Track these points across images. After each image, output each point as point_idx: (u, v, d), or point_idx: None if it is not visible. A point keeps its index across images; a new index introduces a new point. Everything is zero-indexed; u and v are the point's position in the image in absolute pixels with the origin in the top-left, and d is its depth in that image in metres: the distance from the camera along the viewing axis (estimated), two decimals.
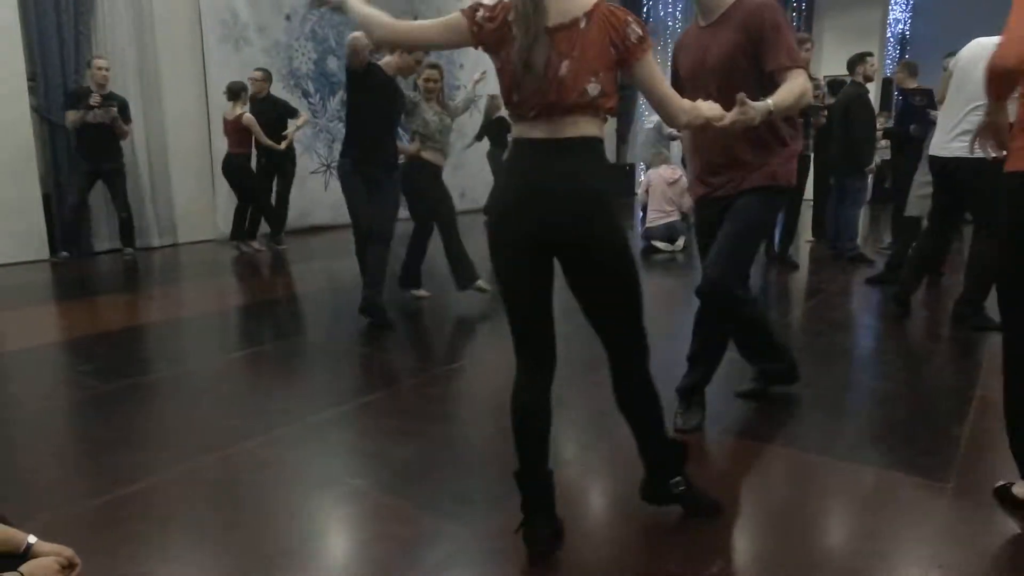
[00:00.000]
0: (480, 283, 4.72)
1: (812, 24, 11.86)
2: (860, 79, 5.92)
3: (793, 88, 2.19)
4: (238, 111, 6.42)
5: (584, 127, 1.72)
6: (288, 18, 7.91)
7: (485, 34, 1.76)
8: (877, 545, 1.89)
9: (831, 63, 10.72)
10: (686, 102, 1.83)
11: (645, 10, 13.26)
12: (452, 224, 4.67)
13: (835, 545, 1.95)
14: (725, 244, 2.45)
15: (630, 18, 1.71)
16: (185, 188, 7.07)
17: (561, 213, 1.71)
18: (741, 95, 1.94)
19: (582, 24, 1.69)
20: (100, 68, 5.89)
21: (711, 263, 2.47)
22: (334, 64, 8.44)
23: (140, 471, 2.31)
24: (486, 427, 2.72)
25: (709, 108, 1.88)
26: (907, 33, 14.43)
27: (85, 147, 5.94)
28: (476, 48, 1.82)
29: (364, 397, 3.01)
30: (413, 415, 2.82)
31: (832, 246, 6.37)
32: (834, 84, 6.96)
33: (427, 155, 4.60)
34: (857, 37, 10.37)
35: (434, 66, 4.72)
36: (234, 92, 6.49)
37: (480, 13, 1.75)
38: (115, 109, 5.93)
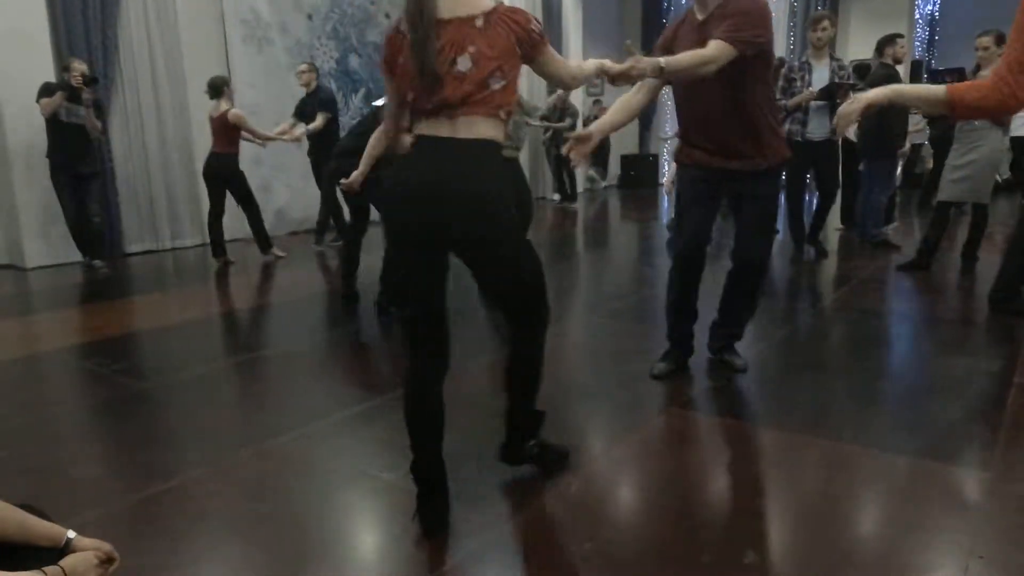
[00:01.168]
0: None
1: (839, 6, 11.63)
2: (889, 61, 5.80)
3: (696, 53, 2.41)
4: (223, 107, 5.95)
5: (482, 129, 1.79)
6: (310, 17, 7.96)
7: (390, 58, 1.87)
8: (914, 535, 1.86)
9: (859, 45, 10.51)
10: (572, 66, 2.07)
11: (667, 2, 13.11)
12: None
13: (870, 536, 1.91)
14: (756, 225, 2.89)
15: (530, 16, 1.86)
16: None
17: (452, 215, 1.78)
18: (628, 42, 2.30)
19: (479, 22, 1.78)
20: (76, 72, 5.55)
21: (749, 244, 2.91)
22: (355, 63, 8.48)
23: (175, 468, 2.35)
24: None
25: (592, 63, 2.15)
26: (936, 14, 14.09)
27: (61, 151, 5.66)
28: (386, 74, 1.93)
29: (396, 391, 3.02)
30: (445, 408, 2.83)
31: (861, 233, 6.26)
32: (860, 68, 6.83)
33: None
34: (885, 18, 10.16)
35: None
36: (216, 88, 6.01)
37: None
38: (93, 92, 5.63)
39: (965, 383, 2.97)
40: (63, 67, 5.63)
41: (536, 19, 1.88)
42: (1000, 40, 4.74)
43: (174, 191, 7.01)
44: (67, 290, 5.35)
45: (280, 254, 6.33)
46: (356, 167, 4.01)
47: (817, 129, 5.38)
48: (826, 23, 5.27)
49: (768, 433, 2.54)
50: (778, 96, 5.36)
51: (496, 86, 1.78)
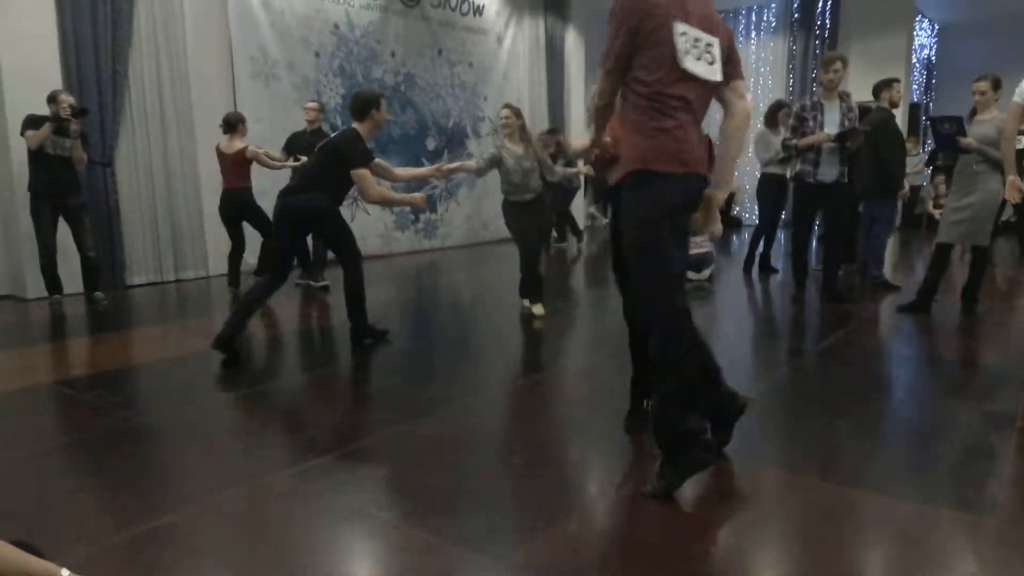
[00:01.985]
0: (531, 307, 5.21)
1: (837, 49, 11.83)
2: (886, 104, 5.89)
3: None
4: (237, 144, 6.07)
5: None
6: (317, 55, 8.10)
7: None
8: None
9: (857, 88, 10.67)
10: None
11: None
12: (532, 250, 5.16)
13: None
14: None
15: None
16: (215, 221, 7.20)
17: None
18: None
19: None
20: (64, 104, 5.45)
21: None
22: None
23: (169, 504, 2.32)
24: (514, 458, 2.70)
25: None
26: (933, 58, 14.33)
27: (46, 183, 5.52)
28: None
29: (392, 428, 3.00)
30: (442, 446, 2.81)
31: (863, 273, 6.28)
32: (860, 110, 6.92)
33: (511, 198, 5.10)
34: (883, 62, 10.32)
35: (506, 105, 5.14)
36: (230, 124, 6.13)
37: None
38: (81, 123, 5.52)
39: (968, 426, 2.95)
40: (49, 98, 5.48)
41: None
42: (997, 85, 4.82)
43: (178, 223, 7.06)
44: (67, 321, 5.35)
45: (317, 285, 6.43)
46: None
47: (828, 172, 5.31)
48: (838, 64, 5.26)
49: (770, 474, 2.51)
50: (788, 136, 5.40)
51: None
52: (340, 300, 5.86)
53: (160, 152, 6.88)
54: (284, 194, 4.35)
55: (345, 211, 8.35)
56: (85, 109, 5.67)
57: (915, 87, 12.87)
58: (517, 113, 5.03)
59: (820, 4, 11.89)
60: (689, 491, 2.42)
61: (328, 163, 4.22)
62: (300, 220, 4.29)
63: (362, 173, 4.19)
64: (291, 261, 4.40)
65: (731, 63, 2.39)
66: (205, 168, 7.06)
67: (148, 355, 4.45)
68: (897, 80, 6.05)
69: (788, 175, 6.91)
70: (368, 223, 8.82)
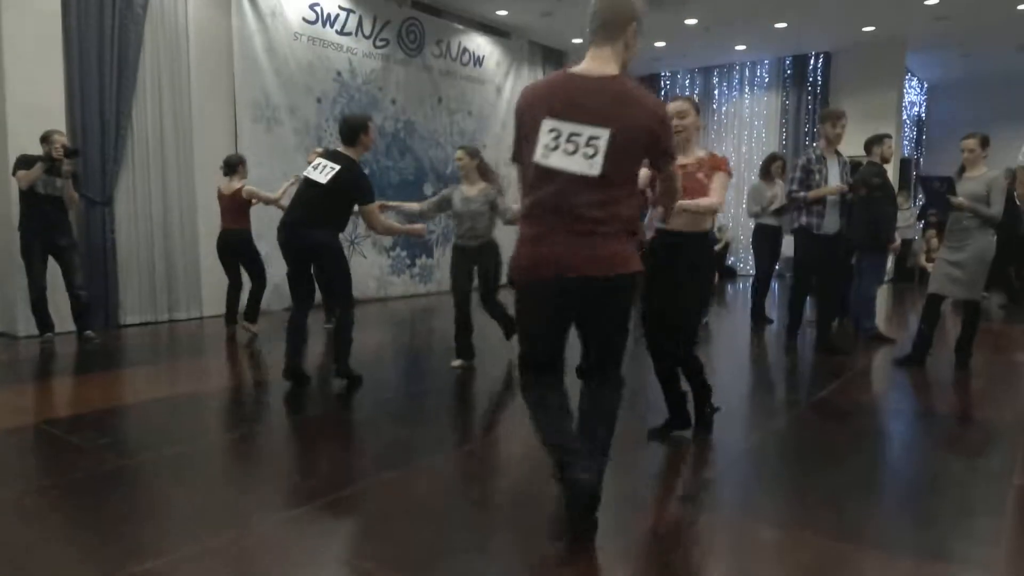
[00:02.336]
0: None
1: (829, 105, 12.09)
2: (877, 159, 6.00)
3: None
4: (235, 185, 6.11)
5: None
6: (319, 100, 8.24)
7: None
8: None
9: (848, 143, 10.87)
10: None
11: (663, 94, 13.64)
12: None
13: None
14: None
15: None
16: (212, 263, 7.21)
17: None
18: None
19: None
20: (57, 144, 5.42)
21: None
22: None
23: (154, 549, 2.27)
24: (501, 510, 2.65)
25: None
26: (923, 115, 14.66)
27: (36, 222, 5.51)
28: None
29: (382, 475, 2.96)
30: (431, 496, 2.76)
31: (856, 325, 6.29)
32: (852, 165, 7.04)
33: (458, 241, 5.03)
34: (874, 118, 10.54)
35: (460, 147, 5.05)
36: (231, 165, 6.20)
37: None
38: (72, 163, 5.51)
39: (964, 482, 2.92)
40: (41, 138, 5.46)
41: None
42: (985, 142, 4.91)
43: (174, 264, 7.07)
44: (58, 360, 5.31)
45: (252, 331, 6.19)
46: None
47: (832, 223, 5.37)
48: (845, 119, 5.41)
49: (765, 529, 2.47)
50: (795, 188, 5.41)
51: None
52: (363, 338, 5.81)
53: (159, 193, 6.93)
54: (292, 226, 4.32)
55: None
56: (76, 150, 5.67)
57: (906, 143, 13.13)
58: (472, 153, 4.94)
59: (812, 61, 12.20)
60: (684, 543, 2.38)
61: (337, 199, 4.24)
62: (304, 254, 4.33)
63: (370, 209, 4.27)
64: (305, 285, 4.43)
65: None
66: (203, 210, 7.11)
67: (137, 395, 4.40)
68: (888, 136, 6.18)
69: (782, 225, 6.99)
70: (364, 266, 8.85)
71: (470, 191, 4.89)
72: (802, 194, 5.36)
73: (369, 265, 8.95)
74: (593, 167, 2.18)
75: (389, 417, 3.96)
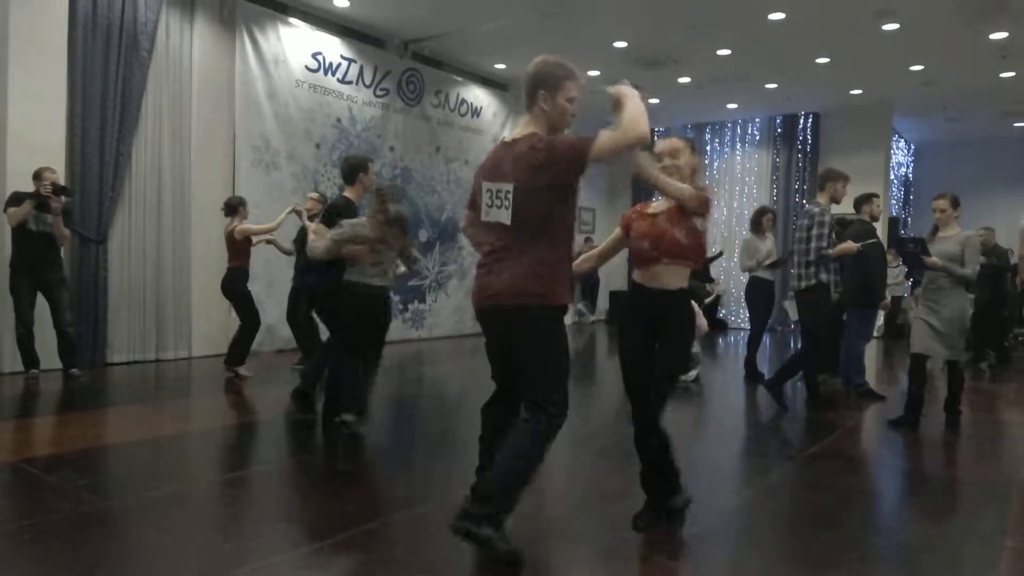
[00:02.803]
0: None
1: (817, 167, 12.33)
2: (867, 218, 6.08)
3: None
4: (233, 224, 6.19)
5: None
6: (318, 146, 8.36)
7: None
8: None
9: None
10: None
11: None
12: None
13: None
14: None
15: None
16: (203, 304, 7.19)
17: None
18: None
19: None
20: (47, 181, 5.47)
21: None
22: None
23: None
24: (491, 559, 2.60)
25: None
26: (910, 176, 14.96)
27: (26, 258, 5.53)
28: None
29: (365, 525, 2.90)
30: (416, 545, 2.71)
31: (847, 381, 6.29)
32: (842, 223, 7.14)
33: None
34: (863, 178, 10.73)
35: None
36: (231, 207, 6.26)
37: None
38: (61, 201, 5.54)
39: (956, 543, 2.89)
40: (33, 176, 5.50)
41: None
42: (955, 203, 5.01)
43: (164, 304, 7.05)
44: (42, 397, 5.23)
45: (245, 375, 6.12)
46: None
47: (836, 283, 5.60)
48: (842, 183, 5.61)
49: None
50: (824, 244, 5.38)
51: None
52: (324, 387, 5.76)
53: (154, 233, 6.96)
54: (303, 272, 4.43)
55: None
56: (66, 188, 5.71)
57: (893, 202, 13.36)
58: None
59: (802, 121, 12.50)
60: None
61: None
62: (316, 297, 4.41)
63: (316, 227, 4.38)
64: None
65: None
66: (197, 251, 7.13)
67: (120, 436, 4.33)
68: (876, 195, 6.29)
69: (775, 280, 7.02)
70: None
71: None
72: (830, 251, 5.39)
73: None
74: (503, 216, 2.49)
75: (377, 464, 3.90)
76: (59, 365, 5.80)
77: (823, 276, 5.44)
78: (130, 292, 6.81)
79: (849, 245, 5.46)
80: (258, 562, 2.48)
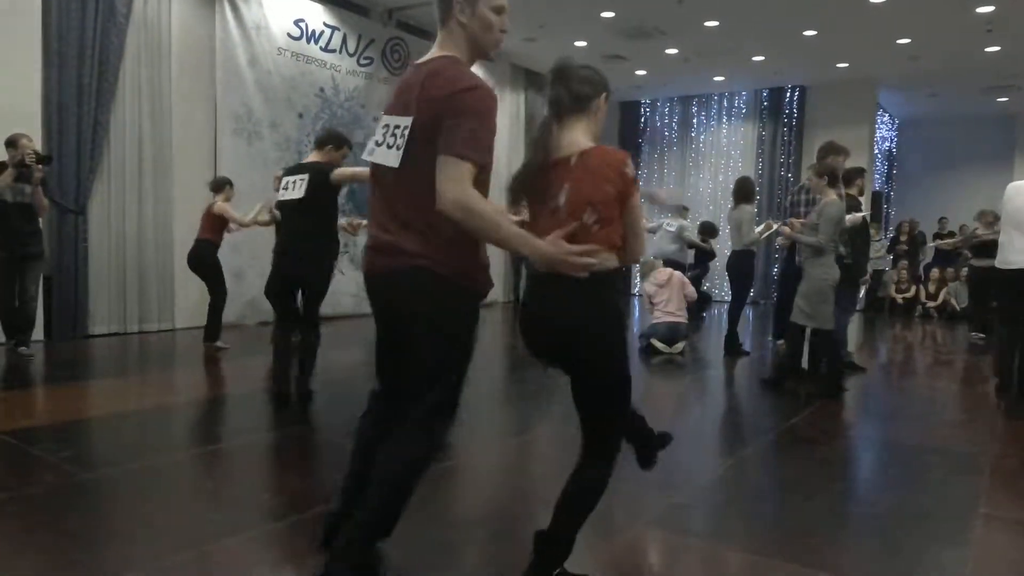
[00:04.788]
0: None
1: (803, 141, 12.36)
2: (855, 192, 6.08)
3: None
4: (216, 200, 6.11)
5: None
6: (300, 116, 8.24)
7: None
8: None
9: None
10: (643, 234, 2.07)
11: (643, 121, 13.83)
12: None
13: None
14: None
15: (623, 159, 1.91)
16: (187, 275, 7.10)
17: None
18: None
19: (573, 161, 1.92)
20: (28, 150, 5.22)
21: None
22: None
23: (112, 568, 2.21)
24: (479, 530, 2.63)
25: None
26: (893, 150, 15.03)
27: (6, 232, 5.27)
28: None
29: None
30: (403, 517, 2.72)
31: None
32: None
33: None
34: None
35: None
36: (218, 185, 6.17)
37: None
38: (42, 170, 5.30)
39: (931, 511, 2.96)
40: (8, 142, 5.22)
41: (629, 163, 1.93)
42: (821, 173, 5.10)
43: (147, 276, 6.98)
44: (19, 371, 5.18)
45: (223, 346, 6.08)
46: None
47: None
48: (842, 157, 5.64)
49: (734, 555, 2.48)
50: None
51: (590, 220, 1.88)
52: (349, 354, 5.76)
53: (135, 203, 6.86)
54: (282, 255, 4.37)
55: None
56: (49, 156, 5.46)
57: (877, 176, 13.43)
58: None
59: (788, 95, 12.48)
60: (653, 567, 2.37)
61: (319, 205, 4.20)
62: (292, 282, 4.36)
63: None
64: (293, 304, 4.40)
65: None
66: (179, 221, 7.05)
67: (102, 408, 4.31)
68: (864, 170, 6.31)
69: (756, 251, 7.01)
70: (340, 283, 8.77)
71: None
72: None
73: (346, 282, 8.88)
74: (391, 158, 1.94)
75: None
76: (40, 338, 5.75)
77: (840, 250, 5.42)
78: (111, 263, 6.73)
79: (855, 216, 5.49)
80: (248, 531, 2.50)
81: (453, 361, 1.94)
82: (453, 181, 1.81)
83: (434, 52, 1.99)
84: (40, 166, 5.28)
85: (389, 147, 1.94)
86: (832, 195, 4.95)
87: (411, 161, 1.89)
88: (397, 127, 1.93)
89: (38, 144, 6.06)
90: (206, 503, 2.85)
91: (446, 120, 1.84)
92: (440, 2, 1.96)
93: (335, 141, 4.43)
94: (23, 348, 5.43)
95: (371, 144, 2.02)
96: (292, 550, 2.41)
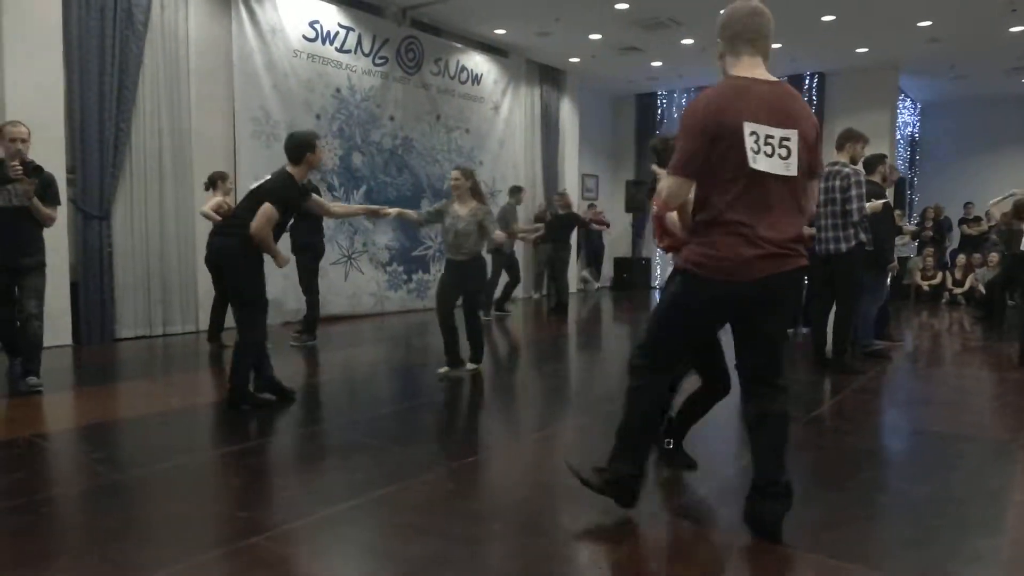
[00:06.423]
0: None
1: (823, 126, 12.17)
2: (878, 179, 5.99)
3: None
4: (214, 199, 6.14)
5: None
6: (318, 117, 8.28)
7: None
8: None
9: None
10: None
11: (659, 112, 13.74)
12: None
13: None
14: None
15: None
16: (207, 277, 7.18)
17: None
18: None
19: None
20: (15, 139, 4.45)
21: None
22: (359, 160, 8.76)
23: (145, 566, 2.24)
24: (502, 524, 2.63)
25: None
26: (916, 135, 14.78)
27: None
28: None
29: (376, 491, 2.93)
30: (426, 511, 2.74)
31: (853, 342, 6.28)
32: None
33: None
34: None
35: (457, 167, 5.23)
36: (211, 181, 6.21)
37: None
38: (31, 186, 4.42)
39: (963, 500, 2.91)
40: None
41: None
42: (467, 174, 5.15)
43: (170, 278, 7.07)
44: (54, 373, 5.27)
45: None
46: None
47: None
48: (861, 144, 5.50)
49: (762, 547, 2.45)
50: (860, 205, 5.24)
51: None
52: (329, 358, 5.83)
53: (156, 208, 6.95)
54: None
55: (339, 269, 8.53)
56: (39, 167, 4.59)
57: (899, 162, 13.23)
58: (467, 175, 5.11)
59: (807, 81, 12.32)
60: (678, 559, 2.36)
61: (253, 204, 4.09)
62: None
63: (266, 209, 4.02)
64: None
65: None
66: (200, 225, 7.10)
67: (131, 410, 4.37)
68: (886, 156, 6.21)
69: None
70: (361, 282, 8.85)
71: (461, 210, 5.02)
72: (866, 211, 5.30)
73: (366, 281, 8.94)
74: (790, 168, 2.33)
75: (384, 433, 3.93)
76: (60, 341, 5.81)
77: (863, 236, 5.34)
78: (135, 267, 6.83)
79: (875, 204, 5.40)
80: (273, 529, 2.52)
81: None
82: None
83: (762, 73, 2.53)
84: (30, 178, 4.43)
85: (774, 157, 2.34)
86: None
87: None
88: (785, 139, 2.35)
89: (62, 152, 6.17)
90: (236, 502, 2.88)
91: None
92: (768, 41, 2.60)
93: (304, 149, 4.25)
94: (32, 379, 4.55)
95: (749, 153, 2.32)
96: (318, 546, 2.42)
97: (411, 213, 5.22)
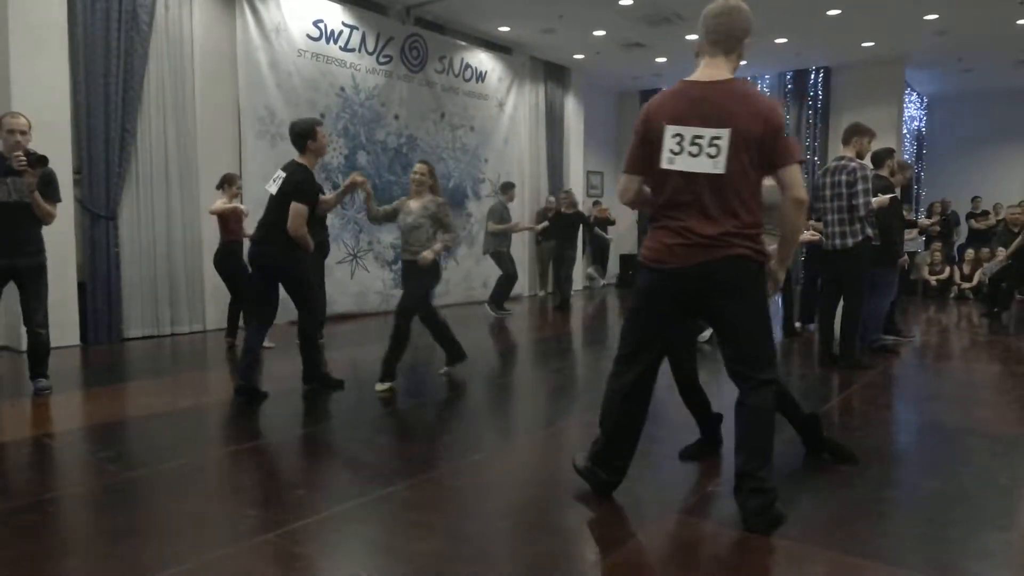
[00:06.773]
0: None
1: (829, 121, 12.15)
2: (886, 174, 5.95)
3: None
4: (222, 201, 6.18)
5: None
6: (323, 116, 8.28)
7: None
8: None
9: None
10: None
11: None
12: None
13: None
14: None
15: None
16: (216, 277, 7.21)
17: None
18: None
19: None
20: (14, 130, 4.28)
21: None
22: (364, 159, 8.77)
23: (156, 564, 2.25)
24: (508, 521, 2.63)
25: None
26: (922, 129, 14.71)
27: None
28: None
29: (384, 489, 2.93)
30: (434, 509, 2.74)
31: (862, 337, 6.26)
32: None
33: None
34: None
35: (422, 161, 5.05)
36: (223, 181, 6.25)
37: None
38: (37, 173, 4.28)
39: (973, 496, 2.89)
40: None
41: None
42: (432, 172, 5.00)
43: (177, 278, 7.09)
44: (62, 374, 5.29)
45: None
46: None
47: None
48: (867, 138, 5.46)
49: (772, 543, 2.45)
50: (867, 200, 5.22)
51: None
52: (333, 356, 5.82)
53: (163, 208, 6.97)
54: (254, 243, 4.51)
55: (345, 268, 8.54)
56: (44, 157, 4.36)
57: (906, 157, 13.16)
58: (431, 171, 4.93)
59: (812, 76, 12.27)
60: (690, 555, 2.35)
61: (281, 207, 4.29)
62: (266, 271, 4.45)
63: (295, 207, 4.27)
64: (269, 304, 4.55)
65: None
66: (207, 224, 7.13)
67: (139, 409, 4.38)
68: (894, 150, 6.17)
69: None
70: (366, 280, 8.86)
71: (413, 205, 4.85)
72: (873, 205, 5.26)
73: (371, 279, 8.95)
74: (718, 166, 2.41)
75: (391, 431, 3.94)
76: (72, 341, 5.86)
77: (868, 232, 5.30)
78: (143, 267, 6.85)
79: (882, 199, 5.36)
80: (283, 527, 2.53)
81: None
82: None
83: (711, 73, 2.55)
84: (35, 169, 4.27)
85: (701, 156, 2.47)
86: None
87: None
88: (715, 138, 2.44)
89: (69, 153, 6.19)
90: (244, 500, 2.89)
91: (773, 135, 2.51)
92: (731, 40, 2.58)
93: (305, 137, 4.48)
94: (41, 381, 4.55)
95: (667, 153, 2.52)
96: (327, 544, 2.43)
97: (373, 204, 4.92)
